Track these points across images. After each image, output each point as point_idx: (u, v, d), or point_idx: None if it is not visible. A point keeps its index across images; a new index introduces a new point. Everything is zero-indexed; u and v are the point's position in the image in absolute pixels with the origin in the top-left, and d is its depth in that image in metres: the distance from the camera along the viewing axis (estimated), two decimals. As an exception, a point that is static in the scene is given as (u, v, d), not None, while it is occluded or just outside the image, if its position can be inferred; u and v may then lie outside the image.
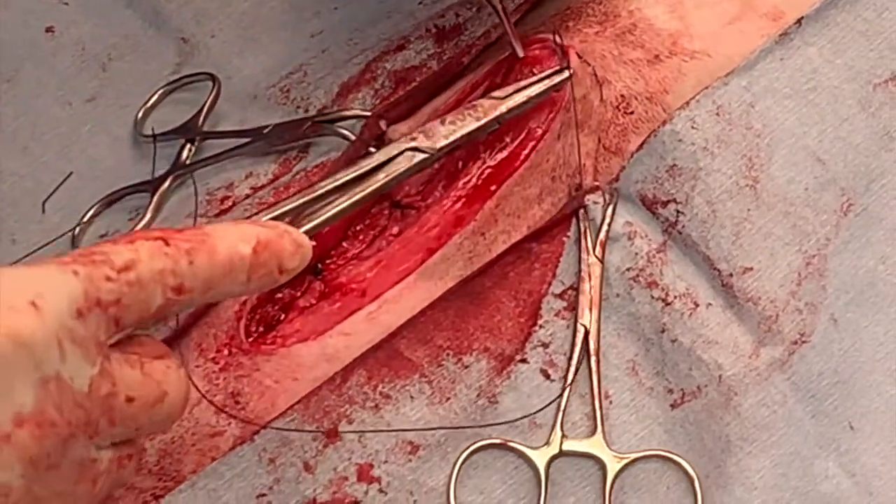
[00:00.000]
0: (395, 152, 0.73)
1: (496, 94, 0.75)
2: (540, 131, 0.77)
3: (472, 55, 0.82)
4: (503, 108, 0.75)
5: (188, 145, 0.82)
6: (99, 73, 0.85)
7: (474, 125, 0.74)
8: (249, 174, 0.80)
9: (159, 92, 0.85)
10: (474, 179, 0.77)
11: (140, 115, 0.84)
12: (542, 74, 0.76)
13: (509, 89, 0.75)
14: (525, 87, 0.76)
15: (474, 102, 0.75)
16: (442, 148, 0.73)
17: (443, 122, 0.74)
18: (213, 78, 0.84)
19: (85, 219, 0.81)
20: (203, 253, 0.59)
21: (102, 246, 0.57)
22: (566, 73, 0.77)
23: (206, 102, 0.83)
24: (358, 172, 0.71)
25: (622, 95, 0.79)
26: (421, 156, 0.73)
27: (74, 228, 0.80)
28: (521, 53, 0.77)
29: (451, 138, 0.74)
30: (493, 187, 0.77)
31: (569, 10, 0.83)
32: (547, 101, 0.77)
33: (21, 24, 0.87)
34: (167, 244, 0.58)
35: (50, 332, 0.53)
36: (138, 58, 0.86)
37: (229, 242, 0.60)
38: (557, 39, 0.78)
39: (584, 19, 0.82)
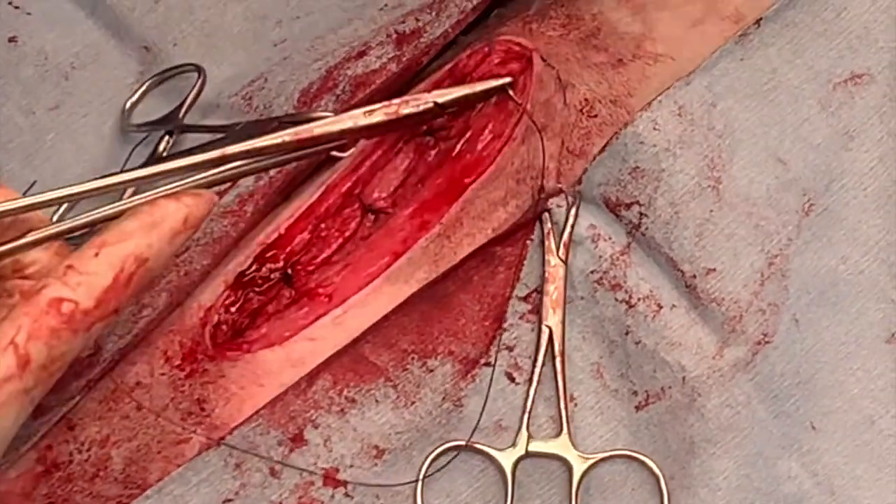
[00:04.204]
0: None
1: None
2: (505, 135, 0.77)
3: (432, 55, 0.81)
4: (441, 99, 0.74)
5: (166, 137, 0.82)
6: (62, 82, 0.85)
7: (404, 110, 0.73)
8: None
9: (147, 83, 0.85)
10: (442, 184, 0.77)
11: (127, 106, 0.84)
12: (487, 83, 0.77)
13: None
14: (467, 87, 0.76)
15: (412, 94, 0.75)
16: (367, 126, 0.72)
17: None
18: (198, 70, 0.84)
19: (59, 211, 0.81)
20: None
21: None
22: (507, 80, 0.77)
23: (188, 94, 0.82)
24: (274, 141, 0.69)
25: (586, 99, 0.79)
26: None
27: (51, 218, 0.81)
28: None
29: (373, 119, 0.72)
30: (458, 191, 0.77)
31: (531, 13, 0.83)
32: (511, 104, 0.77)
33: (-16, 34, 0.87)
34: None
35: None
36: (101, 66, 0.85)
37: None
38: (524, 42, 0.78)
39: (548, 22, 0.82)
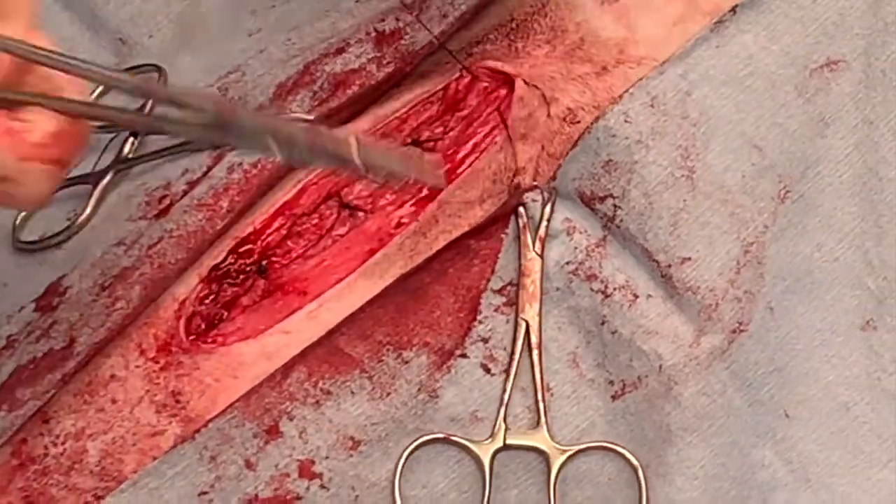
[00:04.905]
0: None
1: None
2: (484, 143, 0.78)
3: (415, 64, 0.82)
4: None
5: (131, 139, 0.82)
6: (37, 75, 0.85)
7: None
8: (185, 171, 0.80)
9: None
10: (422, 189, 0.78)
11: None
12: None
13: None
14: None
15: None
16: None
17: None
18: (158, 69, 0.83)
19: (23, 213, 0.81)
20: None
21: None
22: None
23: None
24: None
25: (569, 108, 0.79)
26: None
27: (15, 219, 0.82)
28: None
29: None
30: (436, 194, 0.77)
31: (515, 26, 0.83)
32: (492, 116, 0.79)
33: (-42, 27, 0.87)
34: None
35: None
36: (76, 59, 0.86)
37: None
38: (508, 70, 0.80)
39: (533, 38, 0.82)
